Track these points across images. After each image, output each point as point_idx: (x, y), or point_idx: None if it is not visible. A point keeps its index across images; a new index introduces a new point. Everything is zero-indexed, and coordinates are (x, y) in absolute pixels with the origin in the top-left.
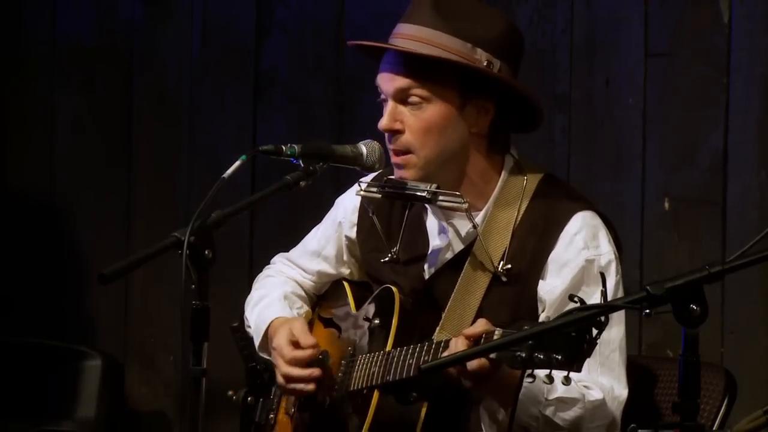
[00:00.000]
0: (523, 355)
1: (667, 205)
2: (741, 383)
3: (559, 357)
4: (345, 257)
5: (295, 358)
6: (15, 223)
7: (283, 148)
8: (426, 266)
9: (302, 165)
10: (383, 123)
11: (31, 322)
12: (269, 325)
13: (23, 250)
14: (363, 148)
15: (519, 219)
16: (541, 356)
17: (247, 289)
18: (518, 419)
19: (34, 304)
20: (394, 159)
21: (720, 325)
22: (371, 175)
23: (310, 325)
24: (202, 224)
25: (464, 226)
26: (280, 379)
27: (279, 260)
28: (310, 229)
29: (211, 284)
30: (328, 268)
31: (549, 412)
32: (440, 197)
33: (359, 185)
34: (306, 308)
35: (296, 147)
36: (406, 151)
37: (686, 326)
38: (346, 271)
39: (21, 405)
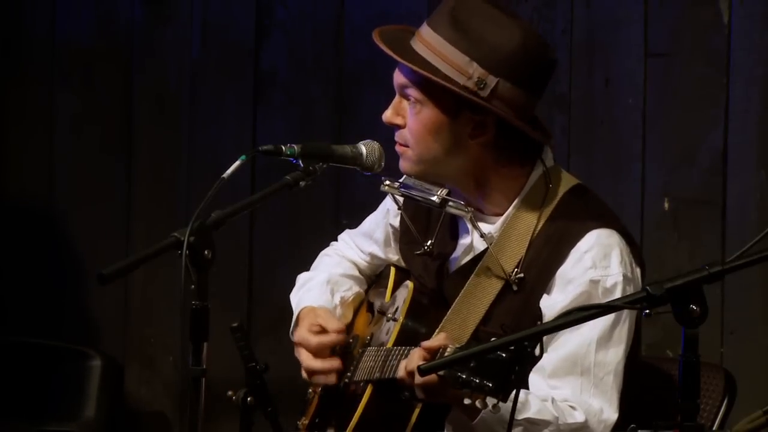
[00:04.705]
0: (463, 376)
1: (666, 205)
2: (741, 383)
3: (490, 384)
4: (392, 243)
5: (321, 343)
6: (15, 223)
7: (283, 148)
8: (449, 265)
9: (302, 165)
10: (386, 115)
11: (31, 322)
12: (299, 312)
13: (23, 250)
14: (363, 148)
15: (538, 229)
16: (477, 381)
17: (247, 290)
18: None
19: (34, 304)
20: (396, 147)
21: (720, 325)
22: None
23: (359, 306)
24: (202, 224)
25: (486, 229)
26: (303, 374)
27: (343, 237)
28: (310, 230)
29: (210, 284)
30: (378, 251)
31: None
32: (449, 204)
33: (383, 182)
34: (355, 289)
35: (296, 147)
36: (404, 144)
37: (686, 326)
38: (393, 256)
39: (21, 405)
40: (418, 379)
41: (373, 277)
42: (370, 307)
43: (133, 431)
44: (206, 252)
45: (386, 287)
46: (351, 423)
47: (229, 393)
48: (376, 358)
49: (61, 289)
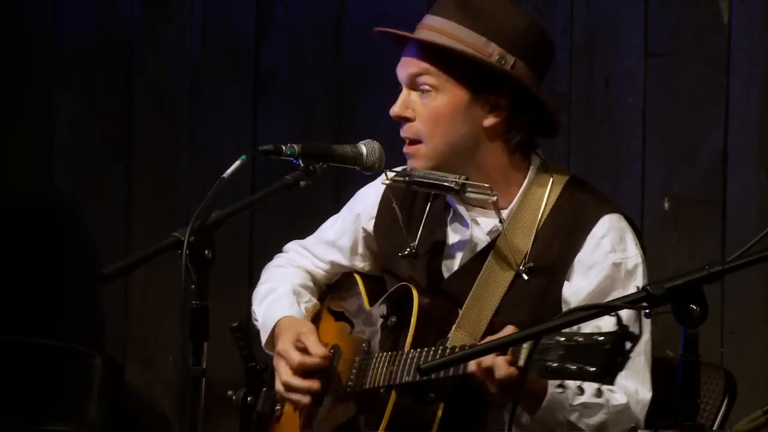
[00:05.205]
0: (555, 365)
1: (667, 205)
2: (741, 383)
3: (593, 369)
4: (360, 249)
5: (303, 364)
6: (15, 223)
7: (283, 148)
8: (445, 263)
9: (302, 165)
10: (394, 109)
11: (31, 322)
12: (276, 324)
13: (23, 250)
14: (363, 148)
15: (543, 220)
16: (573, 368)
17: (247, 290)
18: (543, 424)
19: (34, 304)
20: (405, 149)
21: (720, 325)
22: (399, 168)
23: (318, 316)
24: (202, 224)
25: (488, 224)
26: (278, 386)
27: (292, 248)
28: (310, 230)
29: (210, 284)
30: (342, 259)
31: (573, 417)
32: (468, 189)
33: (386, 174)
34: (314, 301)
35: (296, 147)
36: (416, 140)
37: (686, 326)
38: (359, 263)
39: (21, 405)
40: (498, 372)
41: (325, 288)
42: (340, 317)
43: (133, 431)
44: (206, 252)
45: (358, 294)
46: (380, 429)
47: (229, 393)
48: (392, 363)
49: (62, 288)
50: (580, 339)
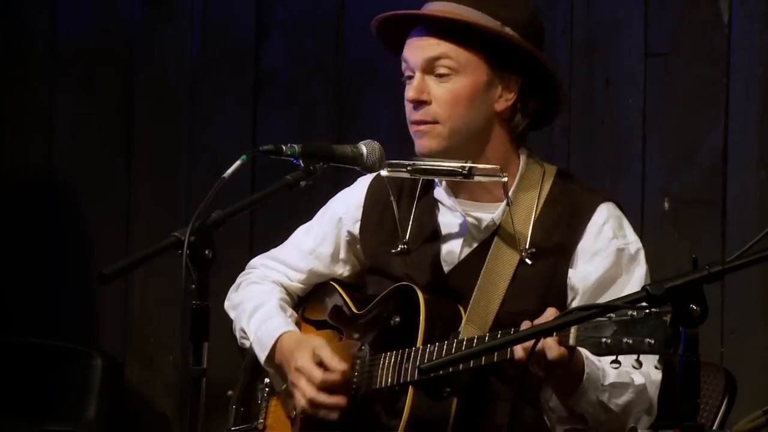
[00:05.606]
0: (609, 341)
1: (666, 204)
2: (741, 383)
3: (652, 342)
4: (342, 255)
5: (326, 382)
6: (14, 223)
7: (283, 148)
8: (443, 259)
9: (302, 165)
10: (410, 94)
11: (31, 322)
12: (278, 340)
13: (23, 249)
14: (363, 148)
15: (540, 209)
16: (630, 341)
17: None
18: (577, 405)
19: (35, 303)
20: (416, 128)
21: (720, 325)
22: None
23: (298, 327)
24: (202, 224)
25: (483, 216)
26: (302, 402)
27: (260, 263)
28: None
29: (210, 284)
30: (321, 267)
31: (605, 397)
32: (477, 173)
33: (385, 166)
34: (295, 315)
35: (296, 147)
36: (432, 121)
37: (686, 326)
38: (339, 270)
39: (21, 405)
40: (550, 354)
41: (297, 299)
42: (323, 325)
43: (133, 431)
44: (206, 251)
45: (340, 301)
46: (400, 427)
47: (229, 393)
48: (406, 361)
49: (62, 288)
50: (634, 313)
